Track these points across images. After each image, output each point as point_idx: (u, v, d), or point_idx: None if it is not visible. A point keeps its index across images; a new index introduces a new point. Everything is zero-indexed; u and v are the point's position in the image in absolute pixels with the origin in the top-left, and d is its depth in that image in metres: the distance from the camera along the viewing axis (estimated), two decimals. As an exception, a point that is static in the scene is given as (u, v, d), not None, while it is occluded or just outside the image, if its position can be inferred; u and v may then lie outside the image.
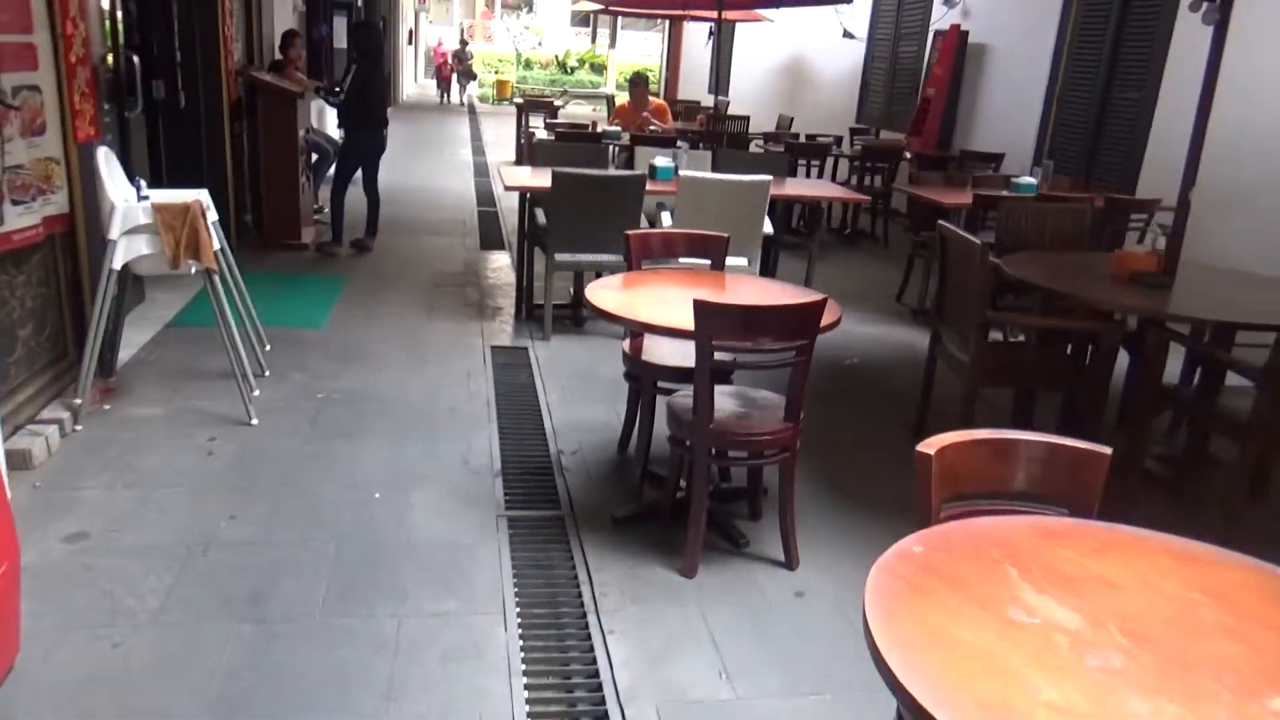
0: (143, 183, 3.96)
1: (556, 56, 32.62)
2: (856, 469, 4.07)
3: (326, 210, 8.21)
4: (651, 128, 8.67)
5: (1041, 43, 8.48)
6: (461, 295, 6.38)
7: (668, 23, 23.68)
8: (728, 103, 14.43)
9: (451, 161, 13.35)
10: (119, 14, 5.08)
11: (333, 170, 7.65)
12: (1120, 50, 7.54)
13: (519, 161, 13.54)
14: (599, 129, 9.09)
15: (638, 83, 9.30)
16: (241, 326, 4.52)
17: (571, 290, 6.20)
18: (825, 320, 2.96)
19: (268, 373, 4.65)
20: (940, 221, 4.30)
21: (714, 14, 11.64)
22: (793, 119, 11.38)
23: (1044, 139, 8.47)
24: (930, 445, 1.75)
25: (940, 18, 10.09)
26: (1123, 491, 3.04)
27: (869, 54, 12.12)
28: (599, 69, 32.45)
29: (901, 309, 6.84)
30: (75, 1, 3.95)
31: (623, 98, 10.17)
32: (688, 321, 2.86)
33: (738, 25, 15.95)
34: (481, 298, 6.36)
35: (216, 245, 4.22)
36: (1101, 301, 3.77)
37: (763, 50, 15.54)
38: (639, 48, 42.67)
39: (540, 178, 5.66)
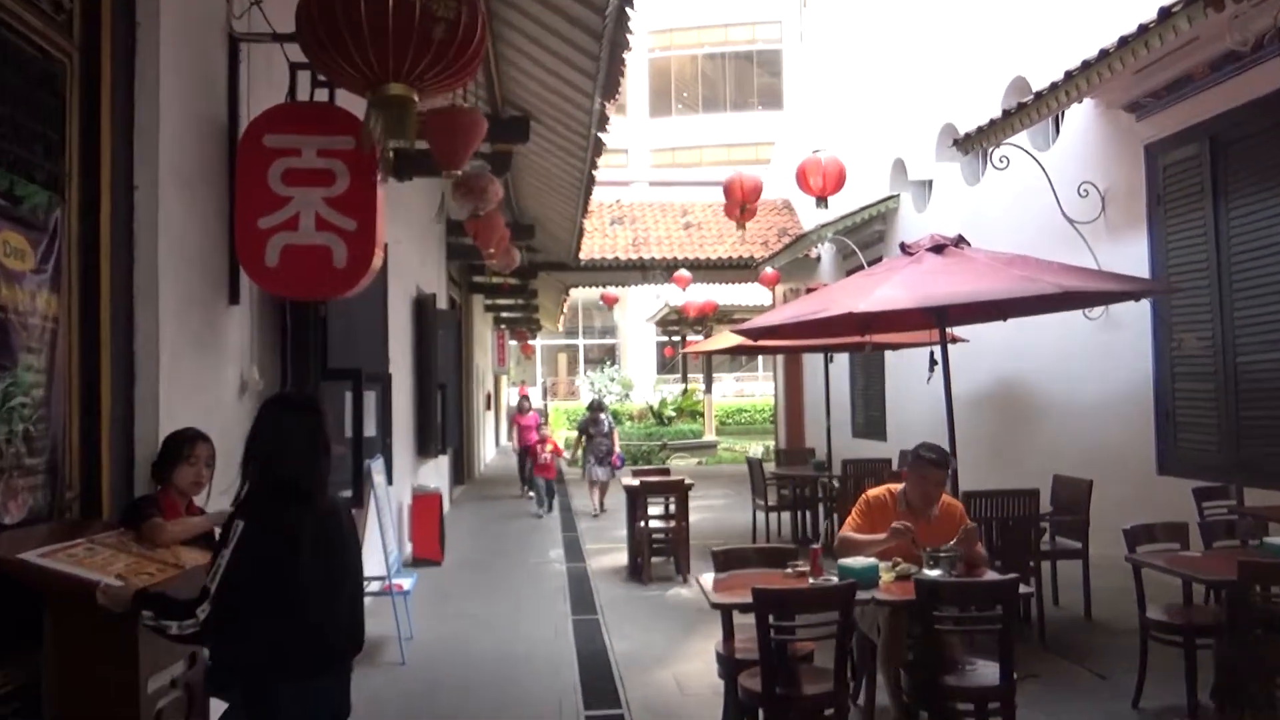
0: None
1: (651, 406, 29.46)
2: None
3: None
4: (944, 553, 4.19)
5: None
6: None
7: (780, 358, 20.25)
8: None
9: (538, 579, 8.93)
10: None
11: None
12: None
13: (635, 572, 8.90)
14: (807, 563, 4.50)
15: (938, 463, 4.63)
16: None
17: None
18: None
19: None
20: None
21: (927, 336, 7.70)
22: (1091, 482, 6.87)
23: None
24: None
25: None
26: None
27: (1162, 369, 7.85)
28: (696, 414, 28.82)
29: None
30: None
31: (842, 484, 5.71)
32: None
33: (892, 349, 12.02)
34: None
35: None
36: None
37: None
38: (730, 387, 39.89)
39: None
